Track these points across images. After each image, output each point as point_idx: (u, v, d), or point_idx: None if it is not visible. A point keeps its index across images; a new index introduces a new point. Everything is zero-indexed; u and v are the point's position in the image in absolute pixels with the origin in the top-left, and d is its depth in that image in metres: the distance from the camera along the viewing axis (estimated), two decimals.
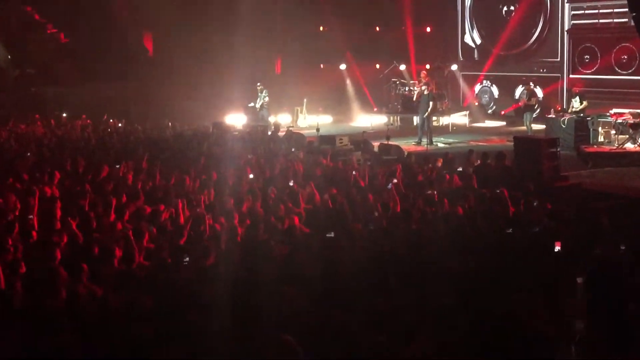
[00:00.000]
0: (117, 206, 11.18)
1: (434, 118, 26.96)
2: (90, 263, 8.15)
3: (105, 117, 26.79)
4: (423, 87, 24.18)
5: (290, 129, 23.68)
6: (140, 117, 27.84)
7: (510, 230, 9.30)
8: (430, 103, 23.26)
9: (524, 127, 23.89)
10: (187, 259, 8.28)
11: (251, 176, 14.21)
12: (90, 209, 10.98)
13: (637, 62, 24.26)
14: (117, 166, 14.77)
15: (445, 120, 27.55)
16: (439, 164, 15.85)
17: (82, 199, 11.59)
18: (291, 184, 13.13)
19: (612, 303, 6.63)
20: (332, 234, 9.22)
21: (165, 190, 12.74)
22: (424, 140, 22.54)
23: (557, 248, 8.33)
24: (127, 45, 31.29)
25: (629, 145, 19.35)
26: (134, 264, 8.61)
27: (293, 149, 18.75)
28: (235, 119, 27.90)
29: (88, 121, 26.17)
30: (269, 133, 22.82)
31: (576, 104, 21.43)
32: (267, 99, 27.38)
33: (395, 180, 13.02)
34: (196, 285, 7.38)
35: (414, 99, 25.36)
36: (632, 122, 19.57)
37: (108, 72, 30.18)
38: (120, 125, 26.36)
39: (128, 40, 31.39)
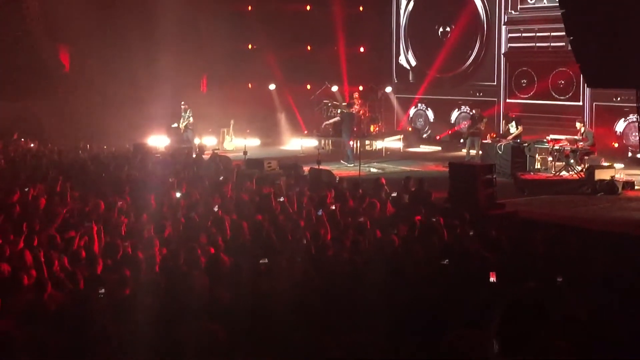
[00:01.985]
0: (28, 232, 10.91)
1: (367, 142, 27.24)
2: None
3: (16, 136, 26.18)
4: (342, 109, 24.50)
5: (216, 151, 23.54)
6: (54, 137, 27.32)
7: (446, 262, 9.34)
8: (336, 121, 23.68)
9: (461, 153, 24.24)
10: (103, 290, 8.09)
11: (178, 194, 14.13)
12: None
13: (574, 87, 24.89)
14: (27, 189, 14.45)
15: (378, 144, 27.77)
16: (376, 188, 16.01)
17: None
18: (216, 209, 13.03)
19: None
20: (266, 260, 9.14)
21: (80, 216, 12.51)
22: (349, 163, 22.81)
23: (492, 279, 8.38)
24: (41, 59, 30.66)
25: (566, 173, 19.77)
26: (45, 295, 8.38)
27: (219, 174, 18.63)
28: (158, 140, 27.64)
29: None
30: (193, 156, 22.66)
31: (512, 129, 21.85)
32: (191, 119, 27.21)
33: (333, 207, 13.06)
34: (112, 318, 7.22)
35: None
36: (568, 148, 20.01)
37: (19, 88, 29.52)
38: (32, 145, 25.83)
39: (42, 54, 30.78)
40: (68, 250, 10.33)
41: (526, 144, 21.05)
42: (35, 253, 9.53)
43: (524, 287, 7.69)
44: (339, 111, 27.65)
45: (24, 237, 10.65)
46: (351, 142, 24.64)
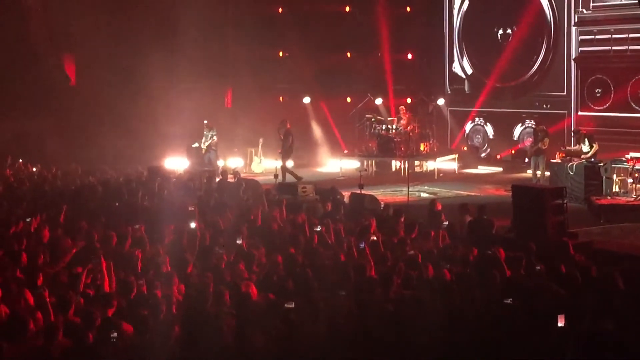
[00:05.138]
0: (30, 269, 11.04)
1: (416, 163, 27.25)
2: None
3: (10, 159, 26.29)
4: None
5: (240, 172, 23.66)
6: (59, 159, 27.59)
7: (509, 301, 9.30)
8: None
9: (527, 174, 24.13)
10: (115, 334, 8.17)
11: (193, 225, 14.19)
12: None
13: None
14: (28, 220, 14.62)
15: (430, 165, 27.73)
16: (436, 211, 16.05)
17: None
18: (239, 242, 13.07)
19: None
20: (292, 304, 9.15)
21: (89, 250, 12.62)
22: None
23: (560, 323, 8.29)
24: (44, 71, 31.01)
25: None
26: (54, 342, 8.46)
27: (246, 200, 18.74)
28: (176, 163, 27.82)
29: None
30: (217, 180, 22.79)
31: (585, 147, 21.70)
32: (215, 138, 27.40)
33: (374, 238, 13.06)
34: None
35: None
36: None
37: (19, 103, 29.83)
38: (34, 169, 26.11)
39: (45, 66, 31.12)
40: (76, 289, 10.43)
41: (602, 164, 20.89)
42: (39, 293, 9.64)
43: (600, 327, 7.64)
44: (386, 128, 27.69)
45: (26, 274, 10.77)
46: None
